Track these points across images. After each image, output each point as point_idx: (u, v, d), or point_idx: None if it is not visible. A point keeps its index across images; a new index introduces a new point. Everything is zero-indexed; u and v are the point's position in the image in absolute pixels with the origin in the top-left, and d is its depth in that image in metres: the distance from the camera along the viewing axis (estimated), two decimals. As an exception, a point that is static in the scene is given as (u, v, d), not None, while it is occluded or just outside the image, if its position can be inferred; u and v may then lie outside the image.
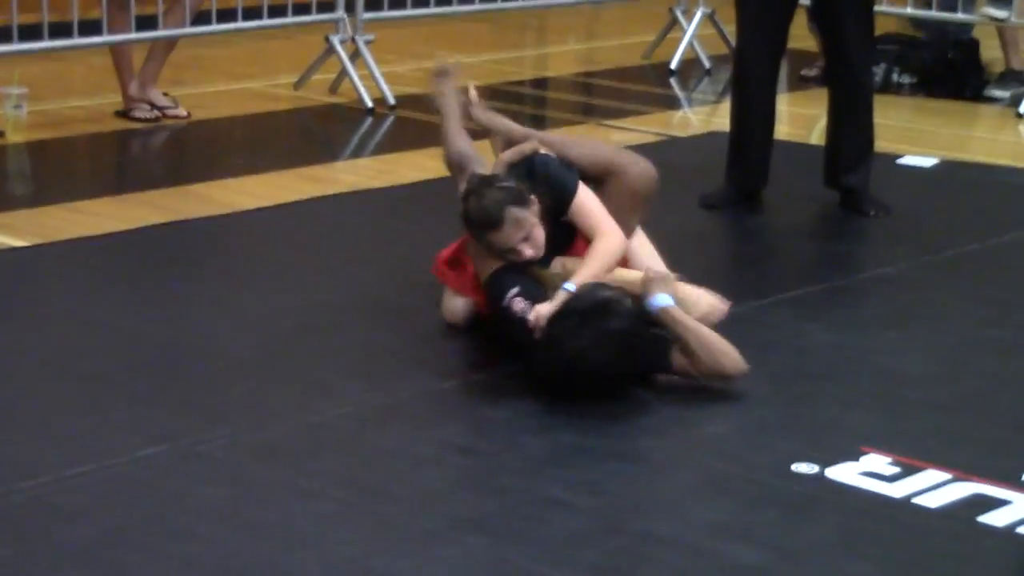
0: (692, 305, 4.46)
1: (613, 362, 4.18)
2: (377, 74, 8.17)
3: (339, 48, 8.28)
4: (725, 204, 6.25)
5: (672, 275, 4.46)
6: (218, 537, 3.48)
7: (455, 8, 9.12)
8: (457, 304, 4.76)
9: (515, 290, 4.37)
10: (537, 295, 4.35)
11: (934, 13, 9.04)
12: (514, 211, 4.40)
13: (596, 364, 4.16)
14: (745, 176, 6.34)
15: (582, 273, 4.37)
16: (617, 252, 4.49)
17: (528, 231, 4.42)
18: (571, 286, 4.30)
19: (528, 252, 4.43)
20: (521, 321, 4.32)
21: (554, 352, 4.21)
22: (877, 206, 6.22)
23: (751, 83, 6.34)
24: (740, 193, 6.32)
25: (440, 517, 3.60)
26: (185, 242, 5.75)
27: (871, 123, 6.33)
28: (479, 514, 3.63)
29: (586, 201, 4.55)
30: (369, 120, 7.92)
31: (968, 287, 5.44)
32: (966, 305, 5.25)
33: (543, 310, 4.28)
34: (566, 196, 4.53)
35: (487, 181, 4.50)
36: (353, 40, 8.33)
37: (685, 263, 4.69)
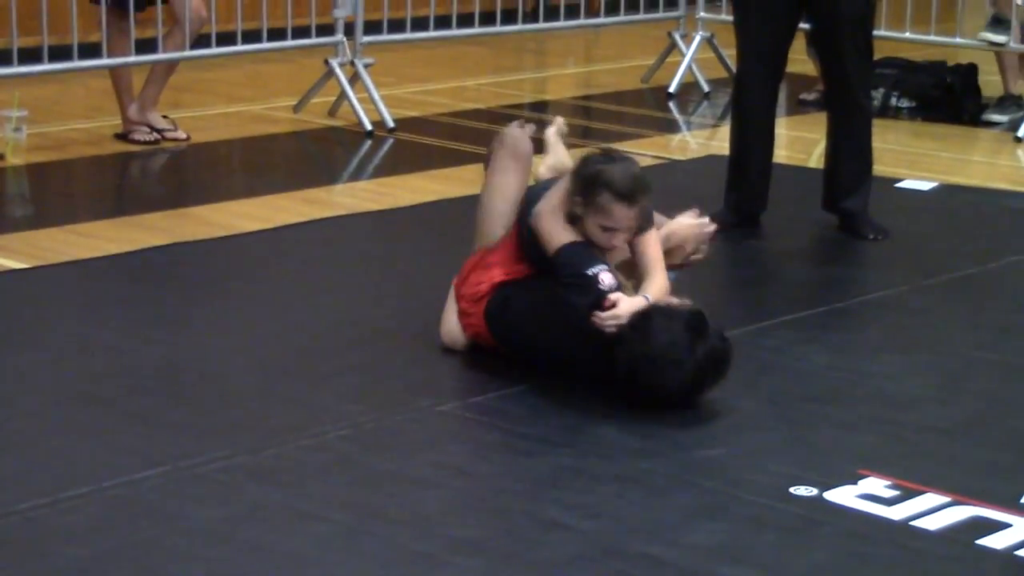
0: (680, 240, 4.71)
1: (705, 381, 4.33)
2: (376, 97, 8.18)
3: (338, 71, 8.29)
4: (723, 227, 6.23)
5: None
6: (216, 559, 3.48)
7: (454, 32, 9.14)
8: (457, 326, 4.76)
9: (606, 267, 4.41)
10: (618, 284, 4.41)
11: (933, 37, 9.06)
12: (645, 201, 4.47)
13: (688, 380, 4.28)
14: (744, 199, 6.35)
15: (651, 289, 4.45)
16: (667, 291, 4.56)
17: (635, 226, 4.48)
18: (648, 296, 4.40)
19: (616, 243, 4.50)
20: (600, 294, 4.34)
21: (643, 356, 4.26)
22: (876, 229, 6.23)
23: (751, 107, 6.35)
24: (739, 216, 6.33)
25: (438, 539, 3.59)
26: (184, 264, 5.76)
27: (870, 147, 6.33)
28: (477, 536, 3.62)
29: (655, 237, 4.62)
30: (368, 143, 7.93)
31: (967, 310, 5.44)
32: (965, 328, 5.25)
33: (623, 303, 4.32)
34: (648, 224, 4.57)
35: (634, 161, 4.57)
36: (352, 63, 8.34)
37: (684, 285, 4.69)
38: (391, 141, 7.97)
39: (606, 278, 4.39)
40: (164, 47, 7.63)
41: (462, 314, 4.73)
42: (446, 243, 4.95)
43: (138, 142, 7.57)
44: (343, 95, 8.27)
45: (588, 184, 4.47)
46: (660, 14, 10.05)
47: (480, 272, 4.72)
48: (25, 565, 3.44)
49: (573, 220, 4.50)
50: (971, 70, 8.94)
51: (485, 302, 4.65)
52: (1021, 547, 3.62)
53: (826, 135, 6.38)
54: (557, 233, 4.49)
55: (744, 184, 6.35)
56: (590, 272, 4.40)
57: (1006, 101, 8.73)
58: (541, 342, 4.56)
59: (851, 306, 5.46)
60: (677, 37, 9.77)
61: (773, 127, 6.40)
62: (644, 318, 4.32)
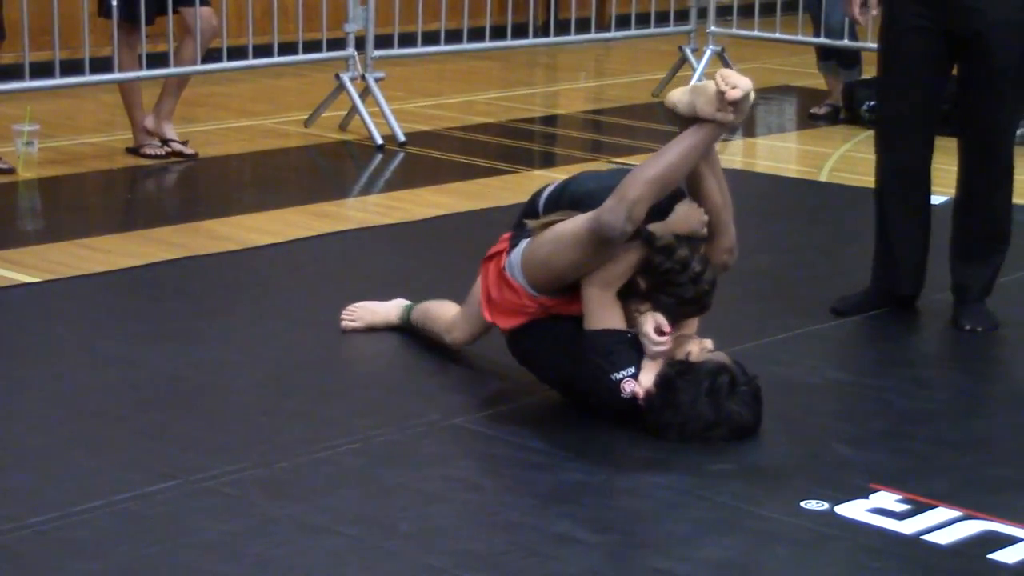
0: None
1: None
2: (387, 111, 8.20)
3: (349, 85, 8.31)
4: (865, 309, 5.45)
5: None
6: (227, 573, 3.47)
7: (465, 46, 9.15)
8: (460, 316, 4.71)
9: (631, 371, 4.26)
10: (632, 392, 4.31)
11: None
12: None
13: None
14: (895, 285, 5.47)
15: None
16: None
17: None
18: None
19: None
20: (627, 401, 4.27)
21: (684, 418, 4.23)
22: (979, 320, 5.32)
23: (905, 182, 5.39)
24: (886, 302, 5.47)
25: (448, 554, 3.59)
26: (195, 278, 5.76)
27: (1008, 212, 5.44)
28: (487, 551, 3.62)
29: None
30: (379, 157, 7.94)
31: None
32: (977, 343, 5.23)
33: (645, 382, 4.25)
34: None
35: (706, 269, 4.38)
36: (363, 78, 8.36)
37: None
38: (402, 155, 7.98)
39: (627, 387, 4.26)
40: (176, 60, 7.64)
41: (487, 260, 4.58)
42: (457, 257, 4.95)
43: (149, 156, 7.58)
44: (354, 109, 8.28)
45: (675, 279, 4.31)
46: (671, 28, 10.07)
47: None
48: (35, 579, 3.44)
49: (629, 287, 4.33)
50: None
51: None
52: (1033, 562, 3.62)
53: (956, 190, 5.44)
54: (603, 315, 4.32)
55: (895, 263, 5.46)
56: (614, 377, 4.27)
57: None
58: (560, 386, 4.53)
59: (863, 320, 5.45)
60: (688, 51, 9.78)
61: (929, 199, 5.44)
62: (669, 388, 4.23)
